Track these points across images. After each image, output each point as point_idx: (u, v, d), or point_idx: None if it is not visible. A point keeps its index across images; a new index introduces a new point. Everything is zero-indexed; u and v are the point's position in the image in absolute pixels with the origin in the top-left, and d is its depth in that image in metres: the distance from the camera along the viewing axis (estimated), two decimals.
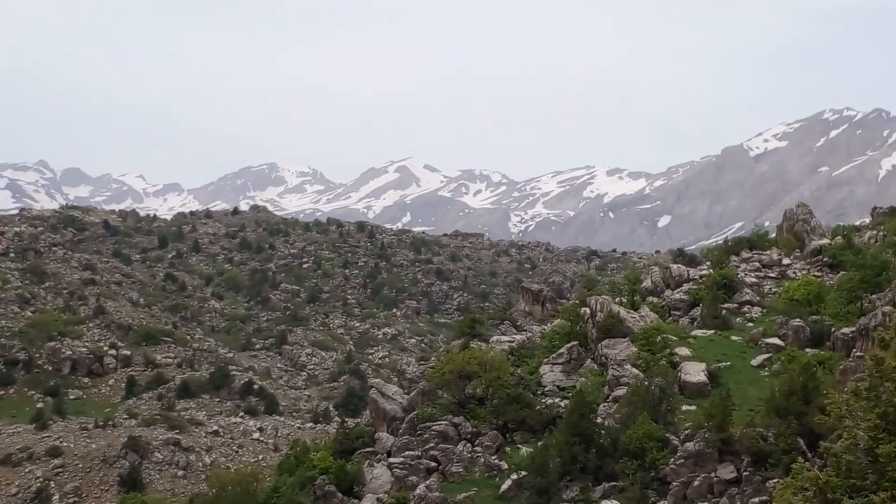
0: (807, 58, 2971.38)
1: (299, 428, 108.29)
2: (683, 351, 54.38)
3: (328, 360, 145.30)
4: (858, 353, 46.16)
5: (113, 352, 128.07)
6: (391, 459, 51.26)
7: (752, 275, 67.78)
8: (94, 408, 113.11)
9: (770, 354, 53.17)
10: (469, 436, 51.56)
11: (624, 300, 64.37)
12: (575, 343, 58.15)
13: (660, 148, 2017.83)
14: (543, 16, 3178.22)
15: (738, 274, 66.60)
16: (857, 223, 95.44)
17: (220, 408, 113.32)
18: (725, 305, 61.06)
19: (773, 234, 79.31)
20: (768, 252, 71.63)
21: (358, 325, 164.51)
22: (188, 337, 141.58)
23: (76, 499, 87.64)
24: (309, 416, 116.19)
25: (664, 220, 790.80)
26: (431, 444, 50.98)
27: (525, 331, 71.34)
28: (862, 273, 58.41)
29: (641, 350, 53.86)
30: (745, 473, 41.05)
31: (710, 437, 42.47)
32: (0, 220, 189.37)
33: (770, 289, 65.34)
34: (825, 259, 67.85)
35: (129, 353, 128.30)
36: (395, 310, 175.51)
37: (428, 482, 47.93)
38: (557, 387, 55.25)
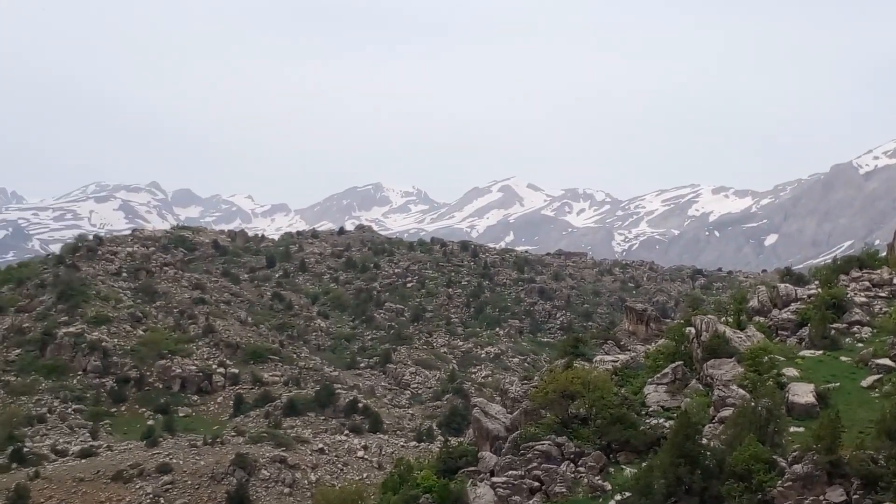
0: None
1: (403, 446, 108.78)
2: (791, 372, 53.34)
3: (431, 378, 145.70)
4: None
5: (221, 370, 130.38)
6: (494, 479, 51.13)
7: (862, 294, 66.13)
8: (203, 425, 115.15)
9: (881, 375, 51.80)
10: (572, 456, 51.22)
11: (730, 320, 63.40)
12: (680, 363, 57.42)
13: (763, 164, 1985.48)
14: (642, 32, 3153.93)
15: (847, 293, 65.06)
16: None
17: (326, 426, 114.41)
18: (834, 325, 59.71)
19: (884, 253, 77.38)
20: (879, 271, 69.81)
21: (461, 343, 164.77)
22: (294, 355, 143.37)
23: None
24: (412, 435, 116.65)
25: (771, 239, 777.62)
26: (535, 464, 50.75)
27: (629, 350, 70.76)
28: None
29: (748, 370, 52.95)
30: (854, 497, 40.08)
31: (819, 460, 41.56)
32: (113, 240, 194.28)
33: (880, 308, 63.68)
34: None
35: (237, 371, 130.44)
36: (497, 329, 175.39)
37: (531, 502, 47.77)
38: (662, 407, 54.61)
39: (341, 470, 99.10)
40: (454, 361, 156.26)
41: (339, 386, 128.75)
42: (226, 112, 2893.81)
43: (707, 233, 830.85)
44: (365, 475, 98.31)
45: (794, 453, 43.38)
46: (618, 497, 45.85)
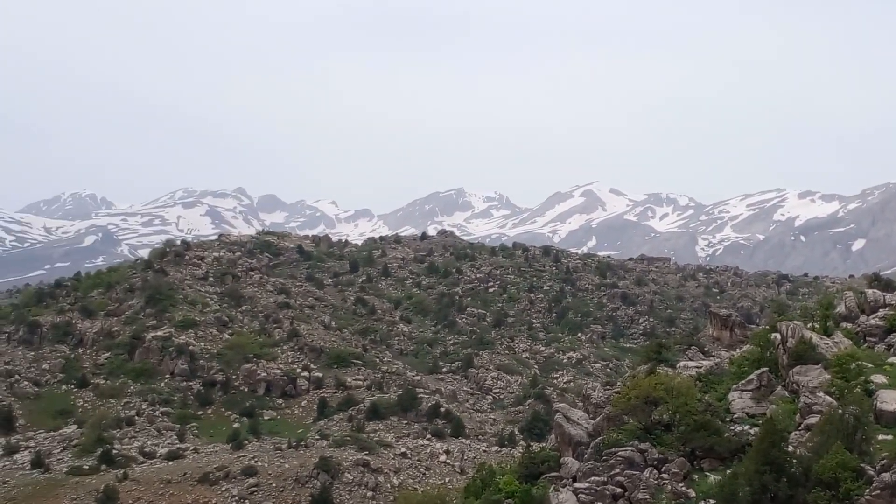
0: None
1: (485, 451, 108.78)
2: (879, 378, 52.40)
3: (513, 383, 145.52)
4: None
5: (305, 374, 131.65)
6: (577, 485, 50.99)
7: None
8: (288, 428, 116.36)
9: None
10: (656, 462, 50.88)
11: (816, 326, 62.48)
12: (765, 369, 56.69)
13: (849, 167, 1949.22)
14: (716, 35, 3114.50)
15: None
16: None
17: (408, 430, 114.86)
18: None
19: None
20: None
21: (543, 349, 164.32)
22: (377, 360, 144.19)
23: None
24: (494, 440, 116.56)
25: (858, 244, 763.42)
26: (617, 470, 50.52)
27: (713, 356, 70.07)
28: None
29: (835, 377, 52.16)
30: None
31: None
32: (200, 245, 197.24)
33: None
34: None
35: (320, 375, 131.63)
36: (580, 334, 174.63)
37: None
38: (746, 414, 53.97)
39: (424, 474, 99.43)
40: (536, 366, 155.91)
41: (422, 390, 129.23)
42: (311, 119, 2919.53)
43: (793, 238, 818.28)
44: (447, 479, 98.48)
45: (883, 461, 42.69)
46: None
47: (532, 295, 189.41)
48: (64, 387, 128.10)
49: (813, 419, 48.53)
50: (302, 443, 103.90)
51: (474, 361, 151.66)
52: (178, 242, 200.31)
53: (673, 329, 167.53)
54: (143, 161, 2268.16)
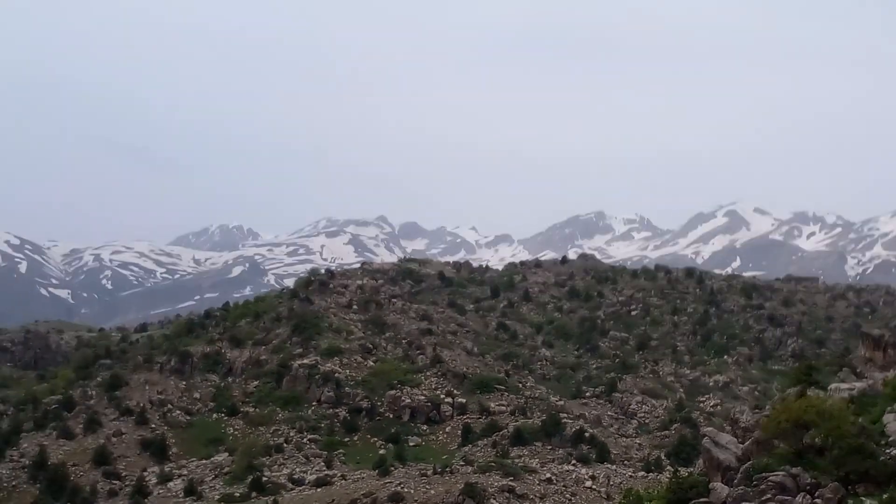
0: None
1: (631, 476, 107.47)
2: None
3: (658, 407, 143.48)
4: None
5: (449, 399, 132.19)
6: None
7: None
8: (432, 454, 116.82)
9: None
10: (808, 487, 49.56)
11: None
12: None
13: None
14: (855, 48, 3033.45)
15: None
16: None
17: (552, 455, 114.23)
18: None
19: None
20: None
21: (688, 372, 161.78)
22: (520, 385, 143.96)
23: None
24: (641, 465, 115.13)
25: None
26: (768, 496, 49.38)
27: (866, 378, 68.05)
28: None
29: None
30: None
31: None
32: (344, 273, 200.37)
33: None
34: None
35: (464, 400, 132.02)
36: (726, 357, 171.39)
37: None
38: None
39: (569, 500, 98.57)
40: (681, 390, 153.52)
41: (565, 415, 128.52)
42: (448, 145, 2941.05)
43: None
44: None
45: None
46: None
47: (676, 317, 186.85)
48: (215, 415, 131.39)
49: None
50: (447, 469, 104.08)
51: (618, 385, 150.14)
52: (323, 271, 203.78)
53: (823, 350, 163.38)
54: (287, 192, 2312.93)
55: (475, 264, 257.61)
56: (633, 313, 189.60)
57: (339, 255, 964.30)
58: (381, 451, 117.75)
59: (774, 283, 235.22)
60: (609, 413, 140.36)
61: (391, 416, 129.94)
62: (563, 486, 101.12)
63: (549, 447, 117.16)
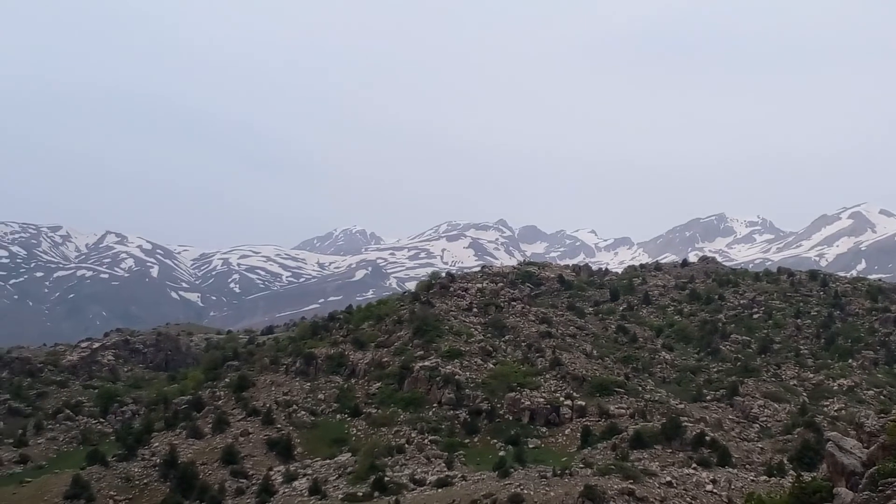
0: None
1: (753, 481, 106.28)
2: None
3: (781, 411, 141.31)
4: None
5: (568, 402, 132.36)
6: None
7: None
8: (552, 456, 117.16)
9: None
10: None
11: None
12: None
13: None
14: None
15: None
16: None
17: (673, 459, 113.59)
18: None
19: None
20: None
21: (811, 376, 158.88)
22: (640, 388, 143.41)
23: None
24: (762, 469, 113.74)
25: None
26: (894, 501, 49.04)
27: None
28: None
29: None
30: None
31: None
32: (464, 277, 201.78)
33: None
34: None
35: (583, 403, 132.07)
36: (850, 360, 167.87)
37: None
38: None
39: None
40: (804, 394, 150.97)
41: (686, 419, 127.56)
42: (567, 148, 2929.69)
43: None
44: None
45: None
46: None
47: (799, 321, 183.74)
48: (338, 416, 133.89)
49: None
50: (567, 471, 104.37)
51: (739, 389, 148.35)
52: (443, 274, 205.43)
53: None
54: (408, 196, 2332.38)
55: (594, 267, 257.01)
56: (755, 316, 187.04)
57: (460, 258, 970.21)
58: (501, 453, 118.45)
59: None
60: (730, 417, 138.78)
61: (511, 418, 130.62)
62: (684, 489, 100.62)
63: (670, 450, 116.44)
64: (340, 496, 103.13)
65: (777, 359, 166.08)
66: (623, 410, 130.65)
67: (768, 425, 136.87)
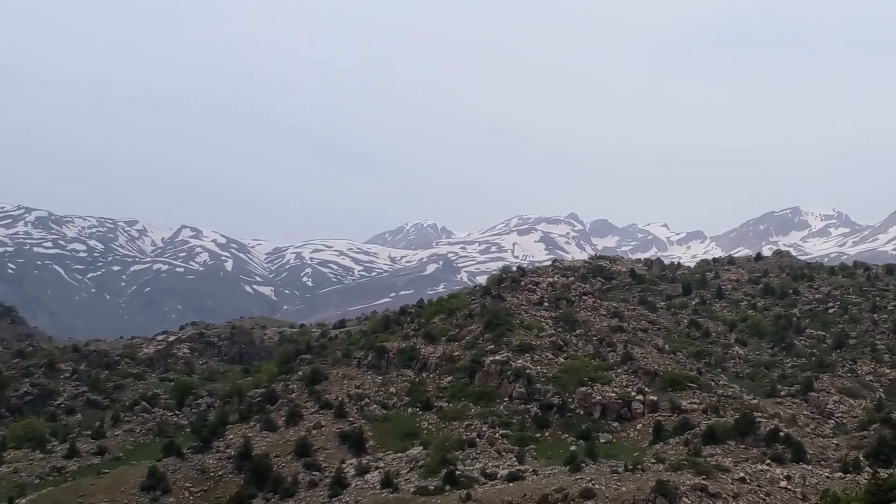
0: None
1: (828, 477, 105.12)
2: None
3: (857, 407, 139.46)
4: None
5: (640, 397, 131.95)
6: None
7: None
8: (623, 451, 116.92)
9: None
10: None
11: None
12: None
13: None
14: None
15: None
16: None
17: (746, 455, 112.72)
18: None
19: None
20: None
21: (888, 371, 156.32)
22: (713, 383, 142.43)
23: None
24: (837, 466, 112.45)
25: None
26: None
27: None
28: None
29: None
30: None
31: None
32: (535, 271, 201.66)
33: None
34: None
35: (655, 398, 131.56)
36: None
37: None
38: None
39: (764, 500, 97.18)
40: (881, 390, 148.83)
41: (759, 414, 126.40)
42: (639, 140, 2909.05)
43: None
44: None
45: None
46: None
47: (875, 315, 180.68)
48: (410, 409, 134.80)
49: None
50: (638, 466, 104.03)
51: (814, 385, 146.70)
52: (514, 269, 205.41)
53: None
54: (479, 190, 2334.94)
55: (667, 261, 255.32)
56: (831, 311, 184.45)
57: (531, 252, 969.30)
58: (572, 448, 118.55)
59: None
60: (805, 412, 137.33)
61: (582, 412, 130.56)
62: (757, 485, 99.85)
63: (743, 446, 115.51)
64: (412, 489, 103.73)
65: (853, 354, 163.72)
66: (696, 406, 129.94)
67: (844, 421, 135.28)
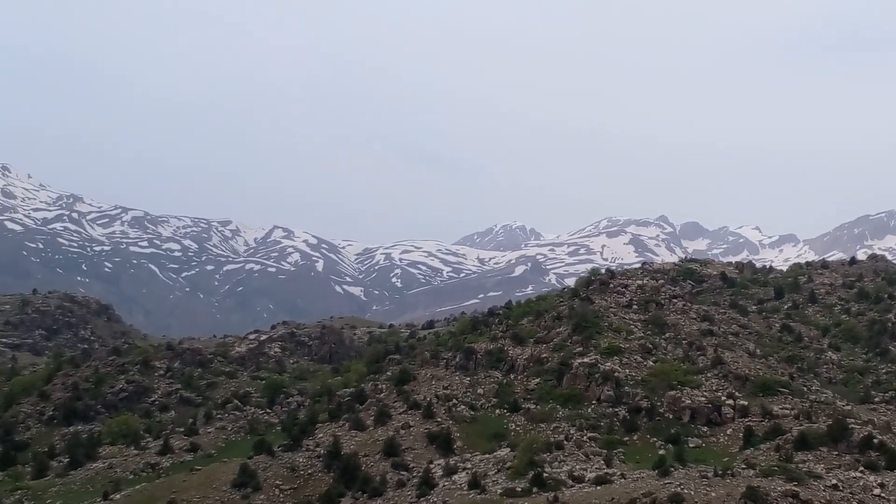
0: None
1: None
2: None
3: None
4: None
5: (730, 402, 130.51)
6: None
7: None
8: (713, 456, 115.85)
9: None
10: None
11: None
12: None
13: None
14: None
15: None
16: None
17: (839, 461, 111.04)
18: None
19: None
20: None
21: None
22: (805, 388, 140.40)
23: None
24: None
25: None
26: None
27: None
28: None
29: None
30: None
31: None
32: (624, 273, 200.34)
33: None
34: None
35: (745, 403, 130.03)
36: None
37: None
38: None
39: None
40: None
41: (853, 421, 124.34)
42: (732, 142, 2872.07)
43: None
44: None
45: None
46: None
47: None
48: (497, 411, 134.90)
49: None
50: (728, 471, 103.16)
51: None
52: (603, 271, 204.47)
53: None
54: (568, 192, 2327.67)
55: (758, 265, 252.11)
56: None
57: (620, 254, 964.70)
58: (661, 452, 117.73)
59: None
60: None
61: (671, 416, 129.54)
62: (850, 493, 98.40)
63: (835, 453, 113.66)
64: (499, 491, 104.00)
65: None
66: (787, 411, 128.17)
67: None
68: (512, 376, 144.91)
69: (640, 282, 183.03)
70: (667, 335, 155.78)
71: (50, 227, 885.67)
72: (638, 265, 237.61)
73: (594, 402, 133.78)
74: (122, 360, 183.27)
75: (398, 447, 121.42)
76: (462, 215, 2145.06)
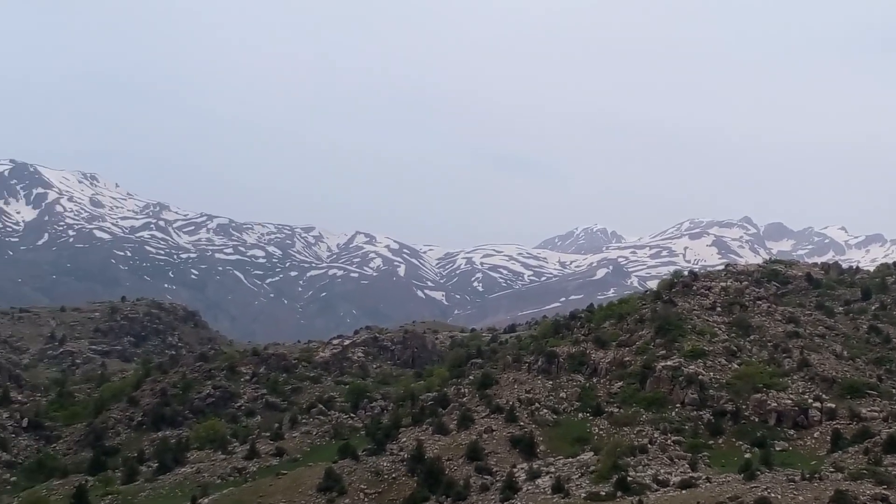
0: None
1: None
2: None
3: None
4: None
5: (817, 404, 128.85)
6: None
7: None
8: (800, 460, 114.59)
9: None
10: None
11: None
12: None
13: None
14: None
15: None
16: None
17: None
18: None
19: None
20: None
21: None
22: (893, 391, 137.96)
23: None
24: None
25: None
26: None
27: None
28: None
29: None
30: None
31: None
32: (708, 275, 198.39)
33: None
34: None
35: (833, 405, 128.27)
36: None
37: None
38: None
39: None
40: None
41: None
42: (811, 141, 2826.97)
43: None
44: None
45: None
46: None
47: None
48: (580, 414, 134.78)
49: None
50: (816, 475, 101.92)
51: None
52: (686, 273, 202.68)
53: None
54: (650, 194, 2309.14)
55: (845, 265, 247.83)
56: None
57: (702, 256, 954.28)
58: (747, 455, 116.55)
59: None
60: None
61: (756, 419, 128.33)
62: None
63: None
64: (583, 495, 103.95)
65: None
66: (876, 413, 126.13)
67: None
68: (594, 380, 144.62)
69: (723, 284, 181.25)
70: (751, 337, 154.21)
71: (137, 235, 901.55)
72: (721, 267, 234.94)
73: (678, 405, 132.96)
74: (209, 366, 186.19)
75: (481, 451, 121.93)
76: (543, 219, 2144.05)
